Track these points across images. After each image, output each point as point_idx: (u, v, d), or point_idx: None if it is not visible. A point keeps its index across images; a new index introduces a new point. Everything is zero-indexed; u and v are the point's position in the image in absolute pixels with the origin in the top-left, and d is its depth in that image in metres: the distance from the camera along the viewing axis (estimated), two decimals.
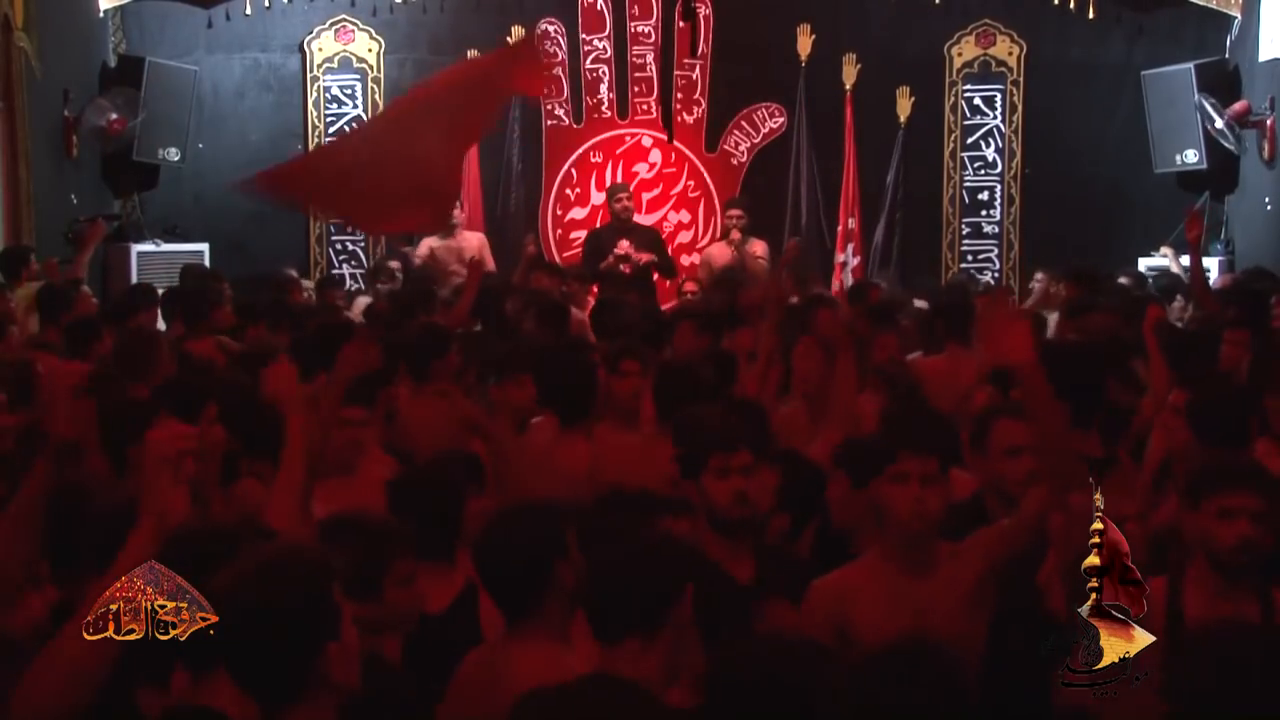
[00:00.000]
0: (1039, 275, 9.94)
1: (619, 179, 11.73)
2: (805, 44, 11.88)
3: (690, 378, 4.87)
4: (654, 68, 11.72)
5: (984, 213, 12.07)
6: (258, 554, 2.54)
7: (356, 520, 3.16)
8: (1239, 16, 11.33)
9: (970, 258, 12.05)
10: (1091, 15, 11.58)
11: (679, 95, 11.62)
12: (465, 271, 9.72)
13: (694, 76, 11.82)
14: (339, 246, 11.93)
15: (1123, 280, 9.23)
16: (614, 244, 10.09)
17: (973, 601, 3.36)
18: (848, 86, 11.85)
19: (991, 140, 12.01)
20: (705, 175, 11.96)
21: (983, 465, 4.01)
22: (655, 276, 10.23)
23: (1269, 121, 10.63)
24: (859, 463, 3.61)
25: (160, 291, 8.06)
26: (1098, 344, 5.49)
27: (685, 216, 11.89)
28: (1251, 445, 4.33)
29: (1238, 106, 10.87)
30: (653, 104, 11.73)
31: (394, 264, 10.47)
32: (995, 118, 11.99)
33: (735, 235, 10.42)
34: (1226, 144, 10.86)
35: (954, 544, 3.47)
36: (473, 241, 10.52)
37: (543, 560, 3.03)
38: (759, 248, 10.47)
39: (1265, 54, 10.88)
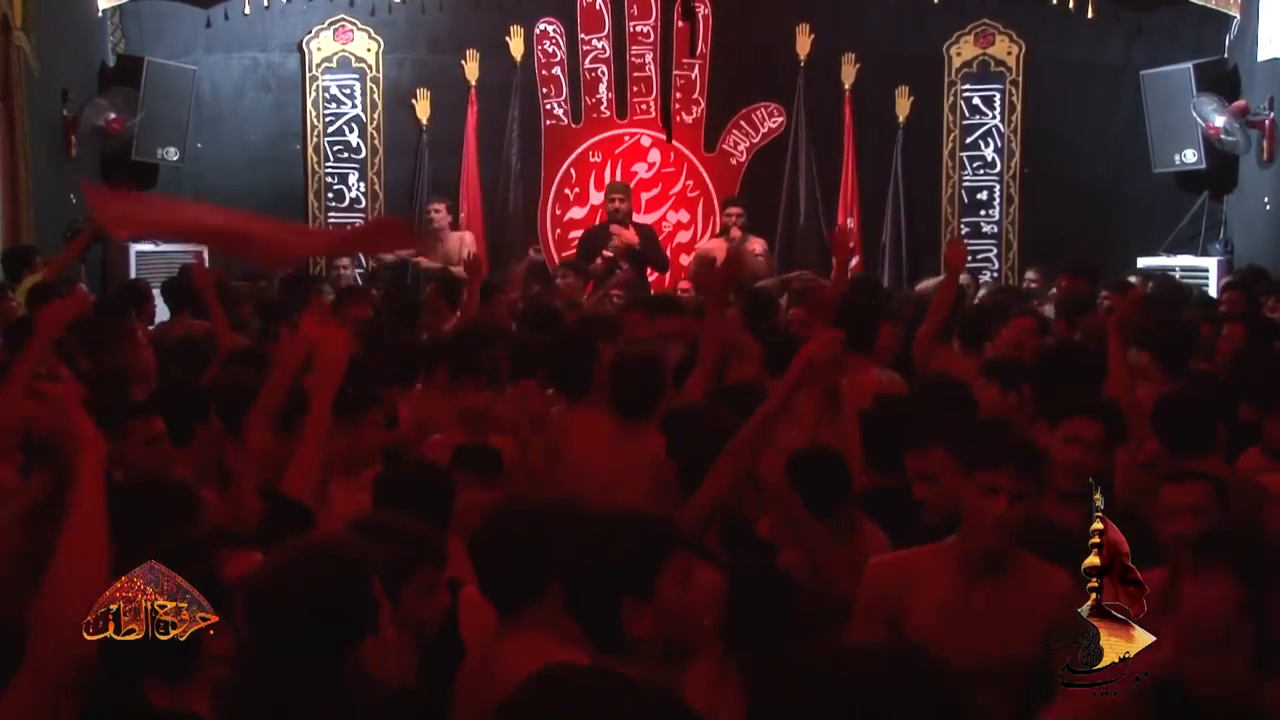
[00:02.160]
0: (1030, 274, 9.97)
1: (618, 179, 11.73)
2: (804, 44, 11.88)
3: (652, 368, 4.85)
4: (653, 67, 11.72)
5: (983, 212, 12.08)
6: (296, 545, 2.57)
7: (388, 522, 3.14)
8: (1238, 16, 11.33)
9: (969, 257, 12.04)
10: (1090, 15, 11.59)
11: (678, 95, 11.61)
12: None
13: (693, 76, 11.82)
14: None
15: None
16: (605, 244, 10.12)
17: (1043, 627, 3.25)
18: (847, 86, 11.86)
19: (990, 140, 12.01)
20: (704, 175, 11.96)
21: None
22: (653, 275, 10.25)
23: (1268, 121, 10.63)
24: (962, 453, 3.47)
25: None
26: (1090, 345, 5.46)
27: (684, 216, 11.89)
28: (1217, 452, 4.30)
29: (1235, 106, 10.88)
30: (652, 104, 11.74)
31: (342, 264, 10.60)
32: (994, 117, 12.00)
33: (735, 233, 10.47)
34: (1233, 138, 10.79)
35: (1038, 562, 3.37)
36: (467, 239, 10.57)
37: (538, 559, 2.95)
38: (757, 245, 10.50)
39: (1264, 54, 10.88)
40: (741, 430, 3.60)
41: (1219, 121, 10.80)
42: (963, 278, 10.01)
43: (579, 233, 11.60)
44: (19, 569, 2.84)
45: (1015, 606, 3.27)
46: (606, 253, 9.96)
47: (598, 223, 11.25)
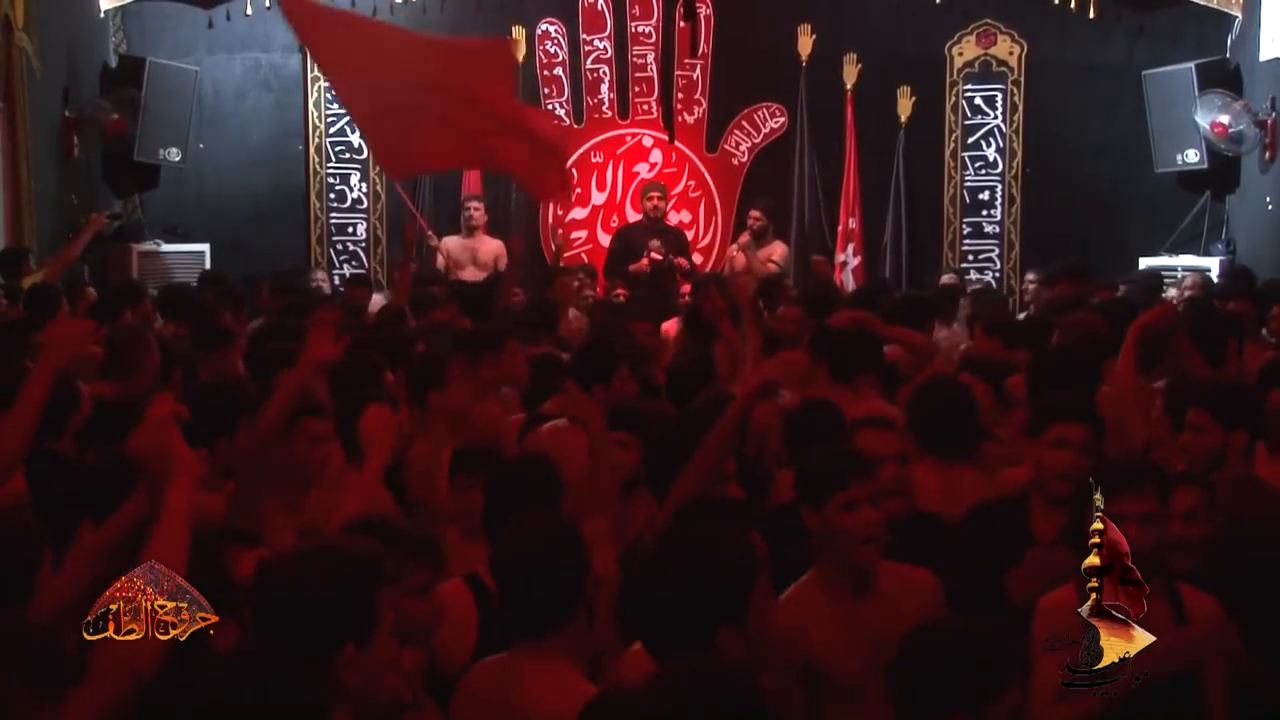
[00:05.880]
0: (1030, 276, 9.96)
1: (620, 179, 11.75)
2: (806, 44, 11.87)
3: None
4: (655, 68, 11.71)
5: (985, 212, 12.07)
6: (301, 546, 2.58)
7: (374, 525, 3.08)
8: (1239, 16, 11.32)
9: (971, 257, 12.06)
10: (1092, 15, 11.58)
11: (680, 95, 11.61)
12: (478, 272, 9.88)
13: (695, 76, 11.82)
14: (340, 246, 11.92)
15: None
16: (643, 242, 10.21)
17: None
18: (848, 86, 11.85)
19: (992, 140, 12.01)
20: (706, 175, 11.96)
21: None
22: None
23: (1270, 121, 10.62)
24: (810, 485, 3.47)
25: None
26: (1081, 347, 5.46)
27: (686, 216, 11.89)
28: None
29: (1234, 106, 10.86)
30: (653, 104, 11.73)
31: (320, 276, 10.72)
32: (996, 117, 11.99)
33: (744, 238, 10.53)
34: (1240, 128, 10.70)
35: (896, 566, 3.46)
36: (490, 245, 10.59)
37: (569, 580, 2.92)
38: (777, 251, 10.52)
39: (1266, 54, 10.87)
40: (705, 441, 3.75)
41: (1225, 118, 10.76)
42: (948, 277, 10.11)
43: (581, 233, 11.62)
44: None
45: (897, 612, 3.31)
46: (656, 255, 10.04)
47: (599, 223, 11.33)
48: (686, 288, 10.53)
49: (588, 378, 4.78)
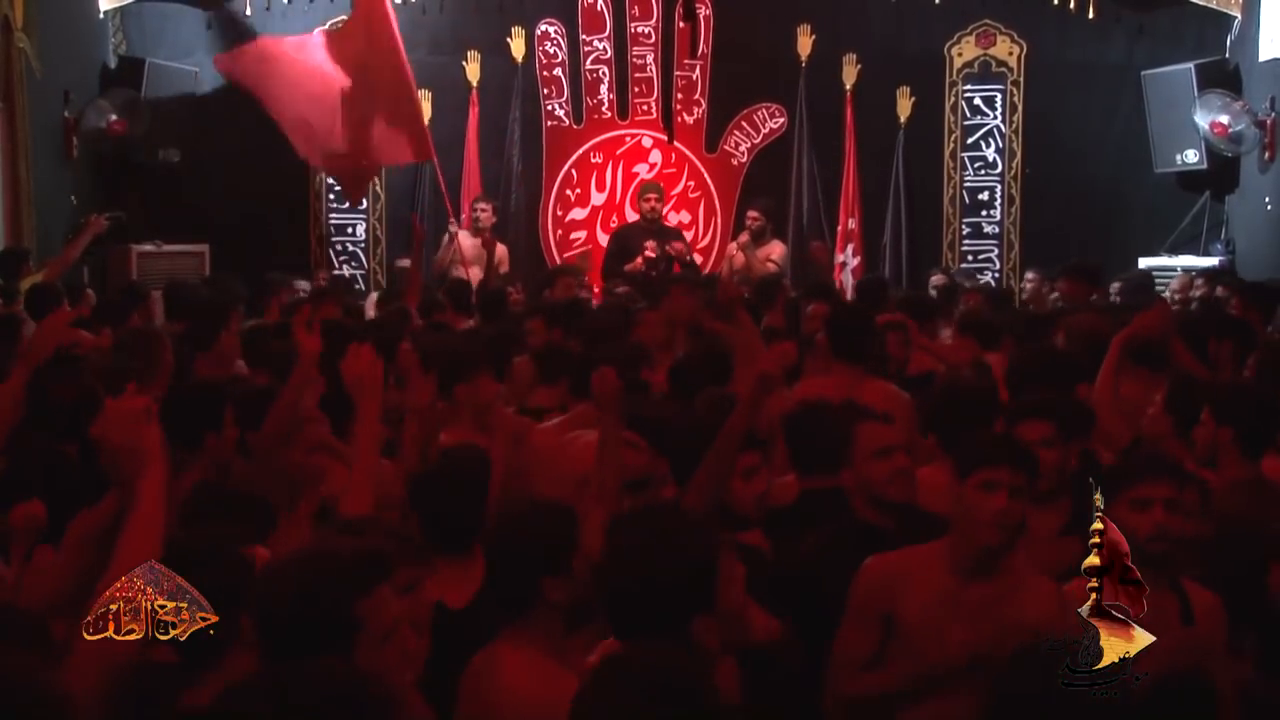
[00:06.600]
0: (1029, 275, 9.97)
1: (619, 179, 11.75)
2: (805, 44, 11.88)
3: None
4: (654, 68, 11.72)
5: (984, 213, 12.08)
6: (303, 550, 2.58)
7: (359, 525, 3.09)
8: (1239, 16, 11.32)
9: (970, 258, 12.06)
10: (1092, 15, 11.57)
11: (679, 96, 11.61)
12: (481, 273, 9.86)
13: (694, 77, 11.82)
14: (339, 247, 11.93)
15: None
16: (640, 243, 10.23)
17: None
18: (848, 87, 11.85)
19: (992, 140, 12.01)
20: (705, 176, 11.96)
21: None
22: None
23: (1269, 122, 10.62)
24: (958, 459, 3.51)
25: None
26: (1068, 352, 5.47)
27: (686, 217, 11.89)
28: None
29: (1233, 107, 10.86)
30: (653, 104, 11.74)
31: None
32: (995, 118, 11.99)
33: (743, 238, 10.52)
34: (1240, 128, 10.69)
35: (1028, 571, 3.45)
36: (497, 250, 10.56)
37: (533, 562, 2.96)
38: (775, 251, 10.51)
39: (1265, 54, 10.87)
40: (715, 443, 3.81)
41: (1225, 118, 10.75)
42: (937, 278, 10.11)
43: (580, 234, 11.62)
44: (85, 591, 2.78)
45: (1006, 607, 3.33)
46: (650, 253, 10.07)
47: (598, 224, 11.31)
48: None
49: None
